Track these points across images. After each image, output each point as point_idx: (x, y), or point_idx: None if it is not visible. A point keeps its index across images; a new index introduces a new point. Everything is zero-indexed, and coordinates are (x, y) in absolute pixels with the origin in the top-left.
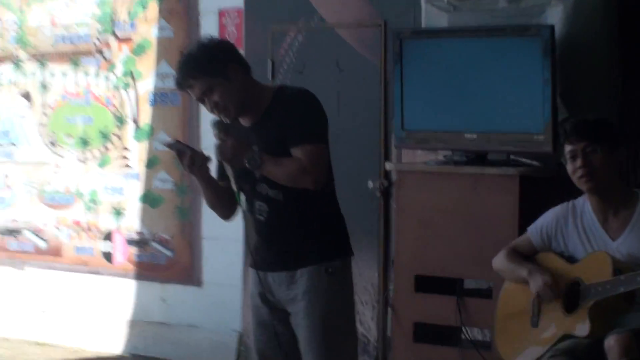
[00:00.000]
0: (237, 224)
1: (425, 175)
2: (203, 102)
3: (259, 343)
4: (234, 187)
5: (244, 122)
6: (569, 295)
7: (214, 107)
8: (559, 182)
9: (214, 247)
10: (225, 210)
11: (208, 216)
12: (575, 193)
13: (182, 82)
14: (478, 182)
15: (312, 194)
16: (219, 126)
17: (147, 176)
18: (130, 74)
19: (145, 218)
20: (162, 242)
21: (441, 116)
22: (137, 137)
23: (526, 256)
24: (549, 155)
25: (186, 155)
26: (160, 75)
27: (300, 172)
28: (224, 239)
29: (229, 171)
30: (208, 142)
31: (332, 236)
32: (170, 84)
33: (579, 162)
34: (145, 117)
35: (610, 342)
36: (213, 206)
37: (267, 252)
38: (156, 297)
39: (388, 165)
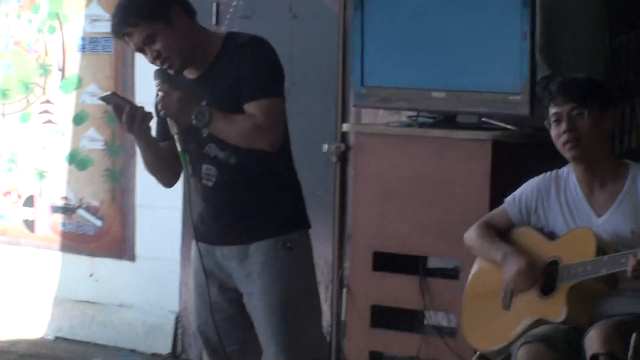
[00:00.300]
0: (176, 190)
1: (386, 138)
2: (143, 52)
3: (205, 326)
4: (179, 147)
5: (189, 73)
6: (546, 276)
7: (156, 58)
8: (536, 149)
9: (150, 217)
10: (168, 175)
11: (143, 181)
12: (554, 161)
13: (119, 30)
14: (446, 147)
15: (267, 157)
16: (163, 76)
17: (74, 134)
18: (56, 16)
19: (71, 182)
20: (91, 210)
21: (406, 71)
22: (64, 89)
23: (502, 231)
24: (526, 118)
25: (124, 110)
26: (90, 18)
27: (255, 130)
28: (161, 208)
29: (174, 129)
30: (145, 96)
31: (290, 205)
32: (102, 28)
33: (563, 126)
34: (73, 65)
35: (591, 334)
36: (153, 170)
37: (215, 223)
38: (83, 272)
39: (345, 127)
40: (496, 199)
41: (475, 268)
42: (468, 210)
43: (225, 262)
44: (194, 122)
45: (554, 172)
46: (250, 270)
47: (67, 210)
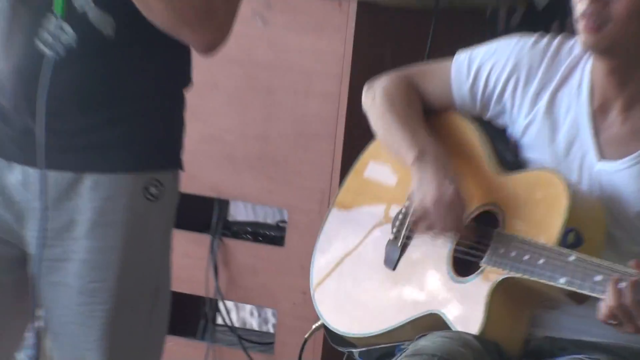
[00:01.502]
0: None
1: None
2: None
3: None
4: None
5: None
6: (474, 244)
7: None
8: (438, 19)
9: None
10: None
11: None
12: (463, 40)
13: None
14: (278, 5)
15: (166, 48)
16: None
17: None
18: None
19: None
20: None
21: None
22: None
23: (428, 110)
24: None
25: None
26: None
27: (203, 16)
28: None
29: None
30: None
31: (169, 129)
32: None
33: None
34: None
35: None
36: None
37: (35, 124)
38: None
39: None
40: (358, 100)
41: (369, 149)
42: (309, 117)
43: (26, 195)
44: None
45: (559, 40)
46: (74, 218)
47: None
